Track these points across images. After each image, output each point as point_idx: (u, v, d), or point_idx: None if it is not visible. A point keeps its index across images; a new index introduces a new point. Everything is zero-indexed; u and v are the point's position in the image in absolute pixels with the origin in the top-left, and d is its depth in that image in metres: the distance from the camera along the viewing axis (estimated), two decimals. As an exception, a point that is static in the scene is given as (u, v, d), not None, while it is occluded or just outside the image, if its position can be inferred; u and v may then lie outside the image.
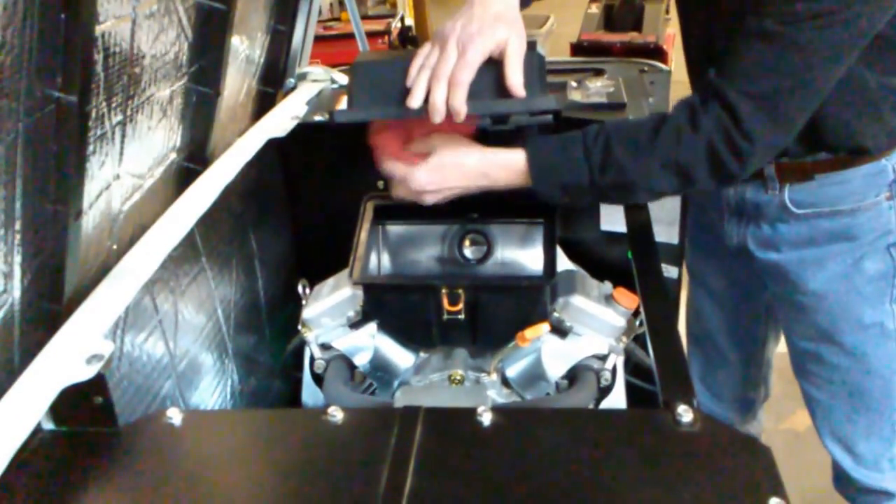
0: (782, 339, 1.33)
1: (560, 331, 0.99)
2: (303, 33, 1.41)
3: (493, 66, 0.88)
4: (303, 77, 1.43)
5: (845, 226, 1.00)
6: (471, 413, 0.71)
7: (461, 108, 0.86)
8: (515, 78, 0.86)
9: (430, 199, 0.94)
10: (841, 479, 1.17)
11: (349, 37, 2.20)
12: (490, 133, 0.94)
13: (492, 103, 0.88)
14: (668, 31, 3.85)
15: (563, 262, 1.11)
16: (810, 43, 0.79)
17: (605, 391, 0.99)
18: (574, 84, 1.31)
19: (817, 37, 0.79)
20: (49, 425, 0.73)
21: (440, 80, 0.85)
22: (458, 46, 0.86)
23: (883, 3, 0.80)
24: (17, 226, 0.70)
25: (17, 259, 0.71)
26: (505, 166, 0.91)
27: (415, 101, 0.87)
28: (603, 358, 0.99)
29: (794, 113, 0.85)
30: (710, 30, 0.97)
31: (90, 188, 0.80)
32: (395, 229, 1.13)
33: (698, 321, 1.32)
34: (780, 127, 0.84)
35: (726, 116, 0.83)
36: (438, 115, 0.86)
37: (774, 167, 1.00)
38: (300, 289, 1.12)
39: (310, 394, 1.08)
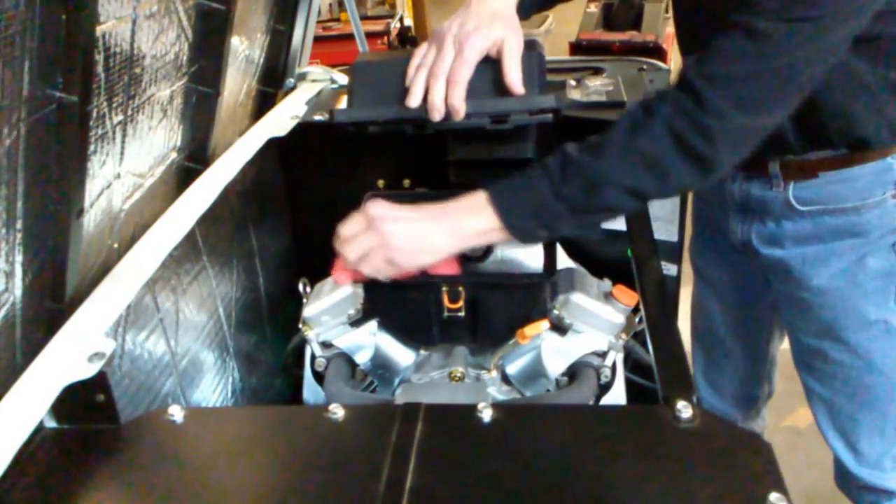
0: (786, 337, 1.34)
1: (560, 328, 0.99)
2: (302, 33, 1.42)
3: (492, 65, 0.88)
4: (302, 77, 1.44)
5: (850, 223, 0.99)
6: (471, 409, 0.71)
7: (460, 105, 0.86)
8: (513, 75, 0.86)
9: (396, 255, 0.83)
10: (843, 476, 1.17)
11: (348, 37, 2.21)
12: (490, 132, 0.94)
13: (491, 102, 0.88)
14: (668, 30, 3.85)
15: (563, 260, 1.11)
16: (771, 35, 0.77)
17: (604, 388, 0.99)
18: (573, 83, 1.31)
19: (778, 29, 0.77)
20: (51, 423, 0.74)
21: (438, 78, 0.86)
22: (455, 45, 0.86)
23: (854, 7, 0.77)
24: (19, 225, 0.70)
25: (19, 258, 0.71)
26: (465, 202, 0.84)
27: (413, 101, 0.87)
28: (602, 355, 0.99)
29: (760, 98, 0.81)
30: (693, 25, 0.97)
31: (91, 187, 0.81)
32: (395, 228, 1.13)
33: (702, 317, 1.32)
34: (745, 110, 0.80)
35: (687, 99, 0.80)
36: (437, 114, 0.87)
37: (779, 165, 1.00)
38: (301, 287, 1.12)
39: (311, 392, 1.08)
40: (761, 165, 1.01)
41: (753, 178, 1.03)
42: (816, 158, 0.98)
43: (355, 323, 1.05)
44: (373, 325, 1.04)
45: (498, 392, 0.98)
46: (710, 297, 1.28)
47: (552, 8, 1.12)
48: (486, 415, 0.71)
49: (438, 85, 0.85)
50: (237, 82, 1.23)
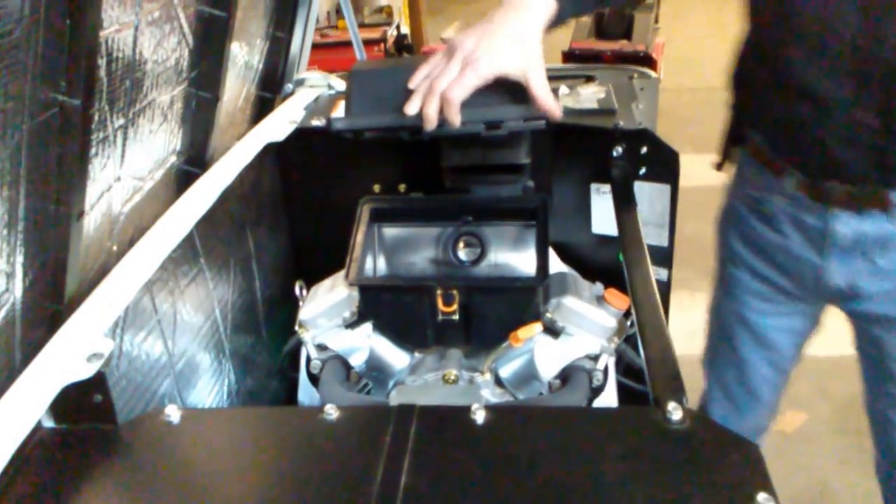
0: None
1: (552, 331, 1.00)
2: (301, 40, 1.43)
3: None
4: (300, 83, 1.45)
5: None
6: (465, 411, 0.72)
7: (454, 120, 0.88)
8: (549, 104, 0.89)
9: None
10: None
11: (346, 44, 2.23)
12: (484, 138, 0.96)
13: (485, 111, 0.90)
14: (657, 41, 3.88)
15: (556, 264, 1.12)
16: None
17: (596, 391, 1.00)
18: (566, 90, 1.33)
19: None
20: (49, 423, 0.74)
21: (435, 94, 0.87)
22: (461, 64, 0.87)
23: None
24: (20, 226, 0.71)
25: (20, 259, 0.72)
26: None
27: (411, 109, 0.89)
28: (595, 358, 1.00)
29: None
30: None
31: (92, 190, 0.81)
32: (390, 231, 1.14)
33: (736, 368, 1.21)
34: None
35: None
36: (430, 125, 0.88)
37: None
38: (297, 290, 1.13)
39: (306, 394, 1.09)
40: (879, 198, 0.92)
41: (866, 213, 0.93)
42: None
43: (350, 325, 1.06)
44: (368, 327, 1.05)
45: (491, 394, 0.99)
46: (754, 350, 1.17)
47: (587, 14, 1.12)
48: (480, 416, 0.71)
49: (434, 101, 0.87)
50: (236, 87, 1.24)
